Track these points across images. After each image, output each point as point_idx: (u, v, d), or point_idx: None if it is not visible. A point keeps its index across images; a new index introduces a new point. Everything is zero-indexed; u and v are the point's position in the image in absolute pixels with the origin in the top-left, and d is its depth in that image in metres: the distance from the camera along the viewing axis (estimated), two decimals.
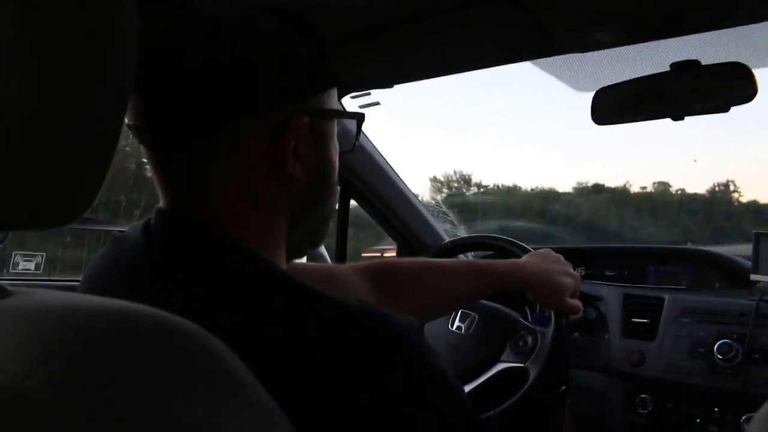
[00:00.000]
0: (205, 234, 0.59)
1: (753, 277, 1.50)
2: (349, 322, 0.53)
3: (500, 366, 1.45)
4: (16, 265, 1.70)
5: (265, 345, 0.49)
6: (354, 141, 0.76)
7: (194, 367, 0.39)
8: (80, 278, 0.69)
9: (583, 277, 1.82)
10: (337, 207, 1.80)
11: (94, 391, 0.35)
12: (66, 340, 0.37)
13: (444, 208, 2.02)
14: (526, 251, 1.30)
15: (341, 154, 0.72)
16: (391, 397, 0.51)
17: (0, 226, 0.46)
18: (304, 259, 1.55)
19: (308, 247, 0.73)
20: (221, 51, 0.58)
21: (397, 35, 1.11)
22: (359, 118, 0.75)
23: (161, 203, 0.64)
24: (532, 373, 1.35)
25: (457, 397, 0.56)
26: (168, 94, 0.58)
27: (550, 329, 1.37)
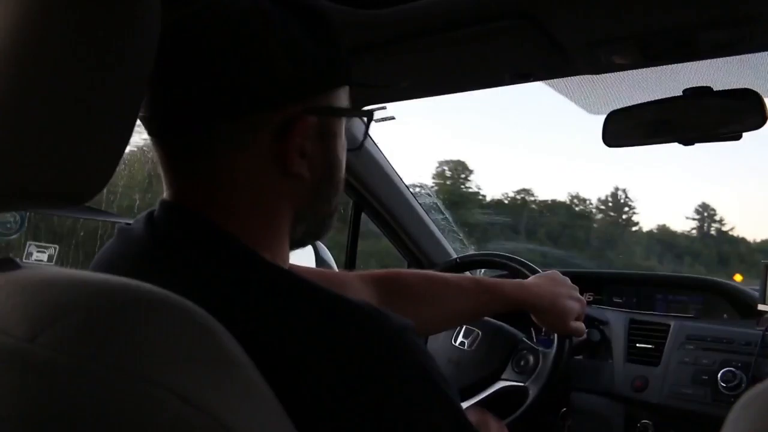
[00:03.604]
0: (204, 229, 0.60)
1: (760, 307, 1.49)
2: (346, 317, 0.54)
3: (501, 384, 1.45)
4: (30, 255, 1.74)
5: (261, 338, 0.50)
6: (362, 140, 0.77)
7: (191, 341, 0.41)
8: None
9: (592, 303, 1.82)
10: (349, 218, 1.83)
11: (93, 357, 0.36)
12: (70, 308, 0.39)
13: (455, 227, 2.03)
14: (534, 272, 1.30)
15: (348, 151, 0.72)
16: (381, 393, 0.52)
17: (16, 204, 0.48)
18: (313, 265, 1.56)
19: (310, 240, 0.74)
20: (230, 44, 0.58)
21: (410, 49, 1.12)
22: (368, 116, 0.76)
23: (165, 194, 0.64)
24: (532, 393, 1.34)
25: (446, 399, 0.56)
26: (175, 85, 0.59)
27: (553, 350, 1.36)
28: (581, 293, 1.16)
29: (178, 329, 0.41)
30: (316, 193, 0.67)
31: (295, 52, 0.60)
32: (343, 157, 0.70)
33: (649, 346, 1.56)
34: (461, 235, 2.06)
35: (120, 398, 0.36)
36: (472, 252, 2.02)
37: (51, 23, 0.42)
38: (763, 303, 1.49)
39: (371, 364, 0.52)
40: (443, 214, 1.98)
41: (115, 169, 0.48)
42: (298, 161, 0.62)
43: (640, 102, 1.27)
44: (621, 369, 1.56)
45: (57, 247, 1.73)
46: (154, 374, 0.37)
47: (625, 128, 1.30)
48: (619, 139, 1.31)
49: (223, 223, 0.60)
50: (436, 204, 1.95)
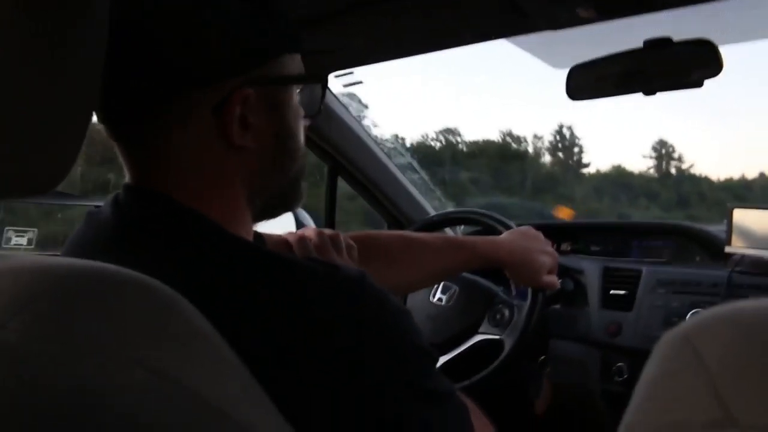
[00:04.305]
0: (167, 208, 0.61)
1: (727, 249, 1.54)
2: (303, 277, 0.56)
3: (478, 337, 1.49)
4: (9, 240, 1.76)
5: (226, 309, 0.52)
6: (319, 105, 0.74)
7: (157, 318, 0.42)
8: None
9: (569, 252, 1.86)
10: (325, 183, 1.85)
11: (62, 338, 0.38)
12: (37, 294, 0.40)
13: (431, 185, 2.05)
14: (508, 227, 1.32)
15: (310, 117, 0.73)
16: (346, 341, 0.54)
17: None
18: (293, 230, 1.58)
19: (279, 210, 0.75)
20: (162, 25, 0.59)
21: (371, 14, 1.13)
22: (322, 81, 0.74)
23: (127, 178, 0.66)
24: (507, 345, 1.38)
25: (410, 336, 0.58)
26: (114, 71, 0.59)
27: (527, 303, 1.40)
28: (558, 244, 1.19)
29: (143, 306, 0.42)
30: (268, 163, 0.68)
31: (228, 26, 0.61)
32: (297, 124, 0.70)
33: (623, 292, 1.60)
34: (438, 192, 2.08)
35: (91, 376, 0.37)
36: (449, 209, 2.05)
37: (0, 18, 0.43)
38: (729, 245, 1.53)
39: (331, 317, 0.54)
40: (419, 173, 2.00)
41: (75, 158, 0.48)
42: (240, 133, 0.63)
43: (602, 55, 1.29)
44: (596, 315, 1.61)
45: (36, 230, 1.74)
46: (123, 350, 0.38)
47: (588, 81, 1.32)
48: (583, 93, 1.33)
49: (185, 201, 0.62)
50: (411, 164, 1.97)
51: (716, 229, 1.73)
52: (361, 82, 1.52)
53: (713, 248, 1.67)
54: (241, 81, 0.62)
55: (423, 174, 2.01)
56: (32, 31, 0.43)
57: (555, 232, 1.83)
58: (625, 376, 1.51)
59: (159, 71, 0.60)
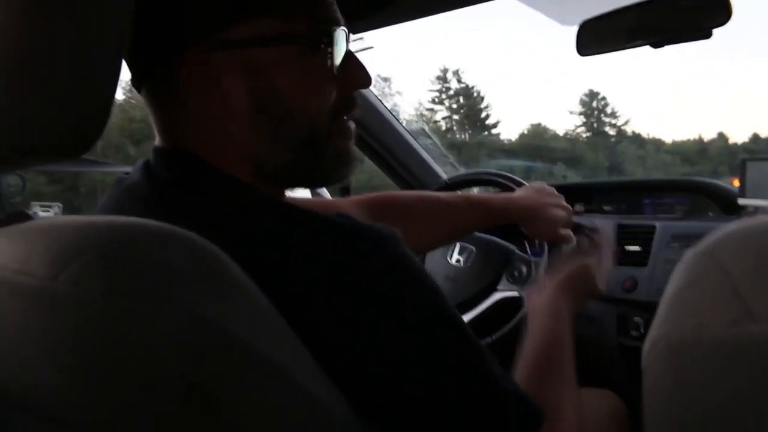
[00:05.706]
0: (192, 168, 0.63)
1: (740, 201, 1.54)
2: (331, 231, 0.57)
3: (497, 295, 1.51)
4: (35, 214, 1.77)
5: (258, 258, 0.53)
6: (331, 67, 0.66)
7: (197, 268, 0.44)
8: None
9: (583, 213, 1.87)
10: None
11: (111, 287, 0.40)
12: (85, 246, 0.42)
13: (444, 150, 2.07)
14: (520, 185, 1.34)
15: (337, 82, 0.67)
16: (371, 296, 0.55)
17: (14, 163, 0.50)
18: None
19: (303, 182, 0.72)
20: None
21: None
22: (317, 42, 0.64)
23: (156, 140, 0.68)
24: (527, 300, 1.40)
25: (435, 297, 0.59)
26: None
27: (544, 259, 1.42)
28: (572, 205, 1.20)
29: (186, 256, 0.44)
30: (264, 130, 0.64)
31: None
32: (299, 88, 0.64)
33: (637, 248, 1.62)
34: (451, 158, 2.10)
35: (138, 323, 0.40)
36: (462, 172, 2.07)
37: None
38: (743, 197, 1.53)
39: (358, 271, 0.55)
40: (431, 138, 2.01)
41: (107, 119, 0.48)
42: (217, 100, 0.62)
43: (610, 9, 1.29)
44: (611, 272, 1.62)
45: (60, 204, 1.78)
46: (168, 298, 0.41)
47: (598, 36, 1.32)
48: (593, 48, 1.33)
49: (209, 161, 0.63)
50: (423, 129, 1.98)
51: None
52: (371, 47, 1.52)
53: (726, 202, 1.68)
54: (204, 46, 0.60)
55: (435, 139, 2.02)
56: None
57: (568, 192, 1.84)
58: (642, 331, 1.53)
59: (140, 38, 0.61)
